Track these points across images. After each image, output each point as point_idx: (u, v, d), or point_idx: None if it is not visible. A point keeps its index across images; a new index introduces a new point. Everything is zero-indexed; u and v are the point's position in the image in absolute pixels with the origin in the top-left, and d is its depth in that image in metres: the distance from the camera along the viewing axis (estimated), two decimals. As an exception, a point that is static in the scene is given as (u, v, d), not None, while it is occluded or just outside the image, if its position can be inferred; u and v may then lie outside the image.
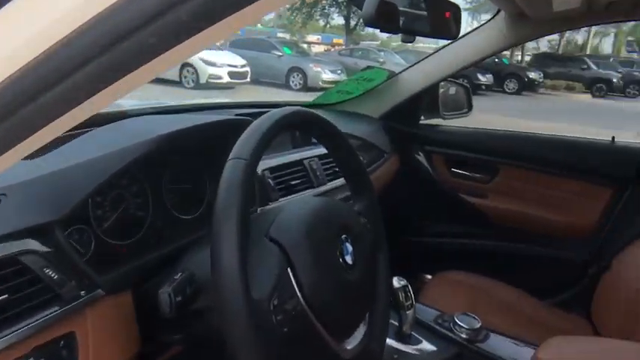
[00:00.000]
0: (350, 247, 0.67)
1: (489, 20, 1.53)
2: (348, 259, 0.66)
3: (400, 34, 1.14)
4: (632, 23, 25.20)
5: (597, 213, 1.62)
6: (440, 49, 1.68)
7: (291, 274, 0.60)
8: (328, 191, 1.23)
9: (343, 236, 0.68)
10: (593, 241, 1.63)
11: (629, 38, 28.72)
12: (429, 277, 1.73)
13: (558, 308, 1.59)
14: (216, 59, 11.16)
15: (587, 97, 16.15)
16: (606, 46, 30.30)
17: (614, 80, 16.81)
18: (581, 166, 1.62)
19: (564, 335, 1.40)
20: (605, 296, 1.47)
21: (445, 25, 1.12)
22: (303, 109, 0.71)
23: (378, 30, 1.07)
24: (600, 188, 1.61)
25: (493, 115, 7.66)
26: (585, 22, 1.45)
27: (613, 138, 1.60)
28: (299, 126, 0.75)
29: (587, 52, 24.93)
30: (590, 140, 1.66)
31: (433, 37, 1.13)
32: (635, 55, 26.18)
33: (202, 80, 10.97)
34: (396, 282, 1.05)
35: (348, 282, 0.66)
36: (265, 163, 1.07)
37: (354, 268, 0.67)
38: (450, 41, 1.63)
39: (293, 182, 1.11)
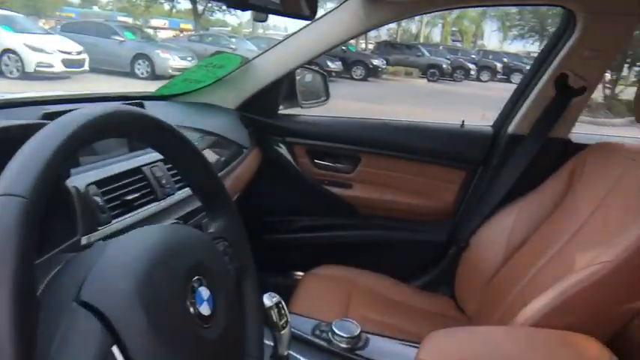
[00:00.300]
0: (206, 292, 0.50)
1: (343, 2, 1.45)
2: (204, 309, 0.49)
3: (251, 18, 0.99)
4: (455, 14, 28.42)
5: (453, 195, 1.68)
6: (294, 34, 1.57)
7: (118, 354, 0.40)
8: (178, 203, 1.02)
9: (195, 278, 0.50)
10: (451, 222, 1.69)
11: (453, 28, 32.47)
12: (300, 274, 1.64)
13: (425, 290, 1.62)
14: (45, 45, 9.78)
15: (423, 82, 17.85)
16: (435, 35, 33.81)
17: (444, 66, 18.83)
18: (436, 150, 1.65)
19: (434, 319, 1.43)
20: (466, 275, 1.53)
21: (299, 4, 1.00)
22: (123, 107, 0.50)
23: (227, 12, 0.90)
24: (455, 171, 1.66)
25: (347, 101, 7.94)
26: (436, 7, 1.46)
27: (463, 122, 1.66)
28: (117, 131, 0.53)
29: (421, 41, 27.54)
30: (443, 125, 1.71)
31: (287, 16, 0.99)
32: (458, 44, 29.72)
33: (29, 69, 9.54)
34: (268, 300, 0.92)
35: (207, 341, 0.48)
36: (90, 175, 0.81)
37: (214, 319, 0.50)
38: (304, 26, 1.52)
39: (130, 197, 0.87)
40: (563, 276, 1.12)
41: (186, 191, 1.05)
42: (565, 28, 1.44)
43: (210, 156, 1.27)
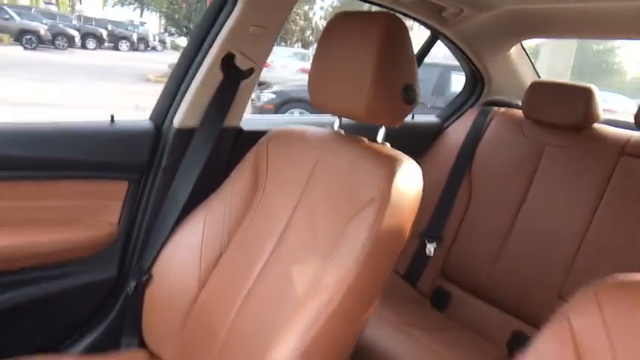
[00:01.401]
0: None
1: None
2: None
3: None
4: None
5: (117, 214, 1.26)
6: None
7: None
8: None
9: None
10: (120, 250, 1.28)
11: (44, -11, 28.41)
12: None
13: (104, 350, 1.19)
14: None
15: (19, 50, 15.03)
16: (23, -4, 28.81)
17: (43, 32, 16.38)
18: (83, 161, 1.18)
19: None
20: (155, 314, 1.18)
21: None
22: None
23: None
24: (113, 183, 1.24)
25: None
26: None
27: (112, 117, 1.23)
28: None
29: (5, 2, 22.93)
30: (90, 124, 1.22)
31: None
32: (53, 8, 26.35)
33: None
34: None
35: None
36: None
37: None
38: None
39: None
40: (286, 301, 0.95)
41: None
42: (224, 1, 1.20)
43: None
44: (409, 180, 0.94)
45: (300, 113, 6.28)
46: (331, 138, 1.10)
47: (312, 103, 1.10)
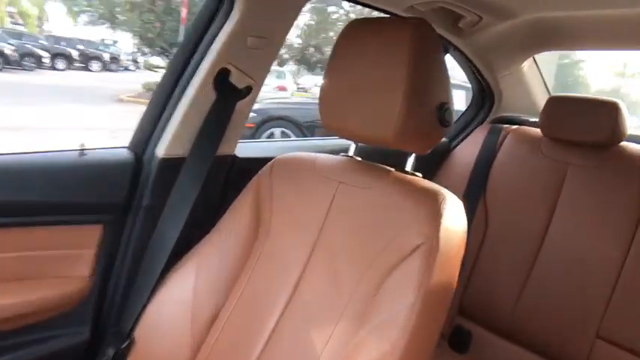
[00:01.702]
0: None
1: None
2: None
3: None
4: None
5: (89, 266, 1.04)
6: None
7: None
8: None
9: None
10: (94, 308, 1.06)
11: (10, 9, 27.76)
12: None
13: None
14: None
15: (-17, 71, 14.51)
16: (-13, 16, 28.04)
17: (9, 53, 15.88)
18: (47, 202, 0.97)
19: None
20: None
21: None
22: None
23: None
24: (84, 228, 1.02)
25: None
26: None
27: (82, 146, 1.02)
28: None
29: (-32, 21, 22.24)
30: (54, 156, 1.00)
31: None
32: (20, 27, 25.72)
33: None
34: None
35: None
36: None
37: None
38: None
39: None
40: None
41: None
42: (216, 8, 1.02)
43: None
44: (456, 219, 0.77)
45: (282, 132, 6.10)
46: (349, 167, 0.92)
47: (325, 127, 0.93)
